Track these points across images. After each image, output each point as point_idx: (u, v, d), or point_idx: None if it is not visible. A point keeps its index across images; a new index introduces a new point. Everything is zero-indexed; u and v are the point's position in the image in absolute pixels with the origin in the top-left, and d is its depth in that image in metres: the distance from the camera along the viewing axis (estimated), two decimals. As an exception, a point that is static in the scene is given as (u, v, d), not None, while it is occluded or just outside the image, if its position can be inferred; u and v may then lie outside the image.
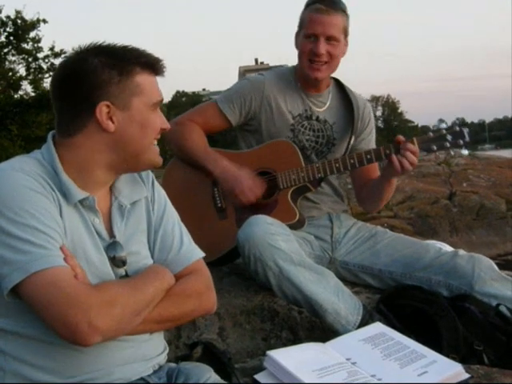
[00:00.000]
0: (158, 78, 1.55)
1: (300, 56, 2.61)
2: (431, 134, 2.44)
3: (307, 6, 2.59)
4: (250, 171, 2.55)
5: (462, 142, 2.41)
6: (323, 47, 2.52)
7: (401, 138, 2.45)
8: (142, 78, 1.49)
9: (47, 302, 1.30)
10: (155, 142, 1.55)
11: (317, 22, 2.52)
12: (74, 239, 1.43)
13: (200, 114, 2.72)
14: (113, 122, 1.46)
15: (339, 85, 2.77)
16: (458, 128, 2.42)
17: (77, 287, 1.32)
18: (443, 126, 2.45)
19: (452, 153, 2.47)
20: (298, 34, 2.64)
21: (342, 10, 2.56)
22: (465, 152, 2.44)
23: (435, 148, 2.42)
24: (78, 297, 1.31)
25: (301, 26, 2.62)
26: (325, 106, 2.71)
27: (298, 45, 2.64)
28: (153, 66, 1.51)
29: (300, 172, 2.53)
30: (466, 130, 2.41)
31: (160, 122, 1.54)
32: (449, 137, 2.41)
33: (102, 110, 1.45)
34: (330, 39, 2.53)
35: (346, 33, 2.59)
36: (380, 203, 2.72)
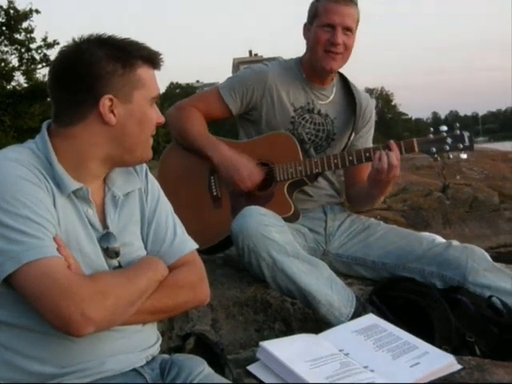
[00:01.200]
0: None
1: (314, 46, 2.56)
2: (431, 136, 2.42)
3: None
4: (249, 158, 2.55)
5: (461, 145, 2.40)
6: (341, 37, 2.50)
7: (392, 143, 2.40)
8: (143, 71, 1.50)
9: (40, 292, 1.30)
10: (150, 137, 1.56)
11: (335, 12, 2.50)
12: (67, 230, 1.43)
13: (202, 100, 2.71)
14: (114, 115, 1.46)
15: (343, 79, 2.75)
16: (458, 132, 2.40)
17: (70, 278, 1.32)
18: (444, 128, 2.42)
19: (451, 156, 2.43)
20: (309, 25, 2.61)
21: (355, 3, 2.56)
22: (463, 156, 2.42)
23: (434, 150, 2.41)
24: (70, 287, 1.30)
25: (313, 16, 2.57)
26: (328, 99, 2.69)
27: (310, 35, 2.59)
28: (153, 59, 1.52)
29: (298, 166, 2.52)
30: (466, 134, 2.40)
31: (156, 116, 1.55)
32: (449, 140, 2.40)
33: (105, 103, 1.45)
34: (346, 30, 2.51)
35: (357, 26, 2.58)
36: (365, 206, 2.76)
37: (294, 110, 2.64)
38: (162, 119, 1.57)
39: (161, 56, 1.54)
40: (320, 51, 2.54)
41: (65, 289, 1.30)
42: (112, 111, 1.46)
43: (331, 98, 2.70)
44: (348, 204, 2.88)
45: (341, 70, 2.72)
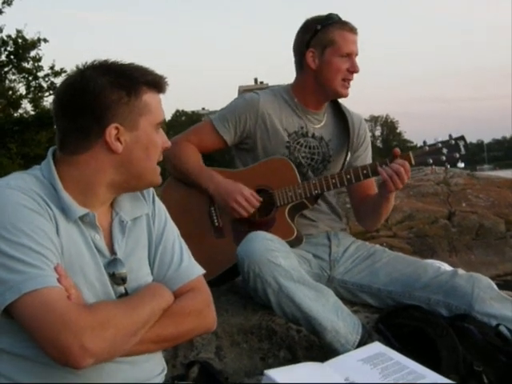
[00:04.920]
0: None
1: (332, 75, 2.56)
2: (427, 147, 2.45)
3: (331, 23, 2.56)
4: (244, 186, 2.54)
5: (457, 155, 2.42)
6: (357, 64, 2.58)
7: (397, 150, 2.47)
8: (149, 97, 1.49)
9: (39, 323, 1.28)
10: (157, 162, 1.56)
11: (352, 41, 2.57)
12: (71, 257, 1.41)
13: (195, 133, 2.72)
14: (120, 143, 1.46)
15: (334, 102, 2.78)
16: (453, 142, 2.43)
17: (69, 308, 1.30)
18: (438, 139, 2.46)
19: (448, 166, 2.46)
20: (318, 52, 2.58)
21: None
22: (461, 165, 2.45)
23: (431, 161, 2.44)
24: (69, 319, 1.29)
25: (327, 44, 2.55)
26: (321, 123, 2.71)
27: (320, 62, 2.57)
28: (158, 84, 1.51)
29: (297, 189, 2.52)
30: (461, 143, 2.43)
31: (162, 141, 1.54)
32: (444, 150, 2.43)
33: (112, 132, 1.44)
34: (356, 57, 2.59)
35: None
36: (378, 220, 2.71)
37: (287, 135, 2.64)
38: (168, 144, 1.56)
39: (165, 79, 1.53)
40: (339, 80, 2.57)
41: (63, 320, 1.28)
42: (118, 139, 1.45)
43: (324, 121, 2.73)
44: (359, 224, 2.89)
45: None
